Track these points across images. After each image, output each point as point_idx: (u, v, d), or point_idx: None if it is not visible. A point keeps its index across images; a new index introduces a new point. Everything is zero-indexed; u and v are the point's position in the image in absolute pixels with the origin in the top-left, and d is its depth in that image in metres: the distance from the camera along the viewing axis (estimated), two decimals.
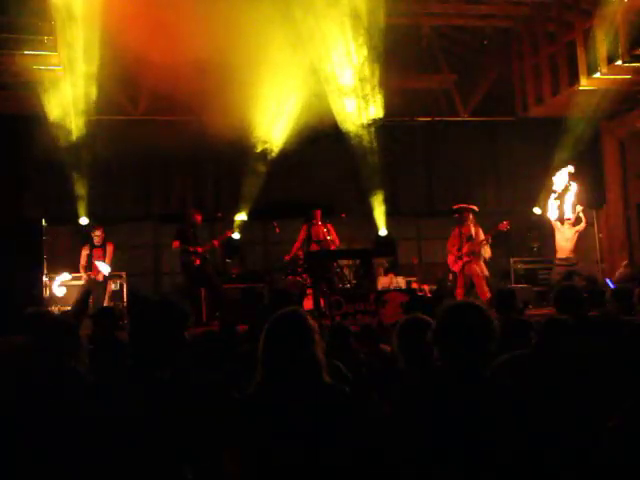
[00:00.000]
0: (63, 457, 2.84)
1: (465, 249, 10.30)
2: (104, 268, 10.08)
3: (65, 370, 3.07)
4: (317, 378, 2.75)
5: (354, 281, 10.71)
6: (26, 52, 9.40)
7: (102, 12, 9.40)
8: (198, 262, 10.02)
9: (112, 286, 10.47)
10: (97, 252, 10.22)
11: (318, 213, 10.83)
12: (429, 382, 2.76)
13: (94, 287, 9.88)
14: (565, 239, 10.86)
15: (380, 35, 10.61)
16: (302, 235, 10.91)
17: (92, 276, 10.07)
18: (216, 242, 10.45)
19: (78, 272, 10.20)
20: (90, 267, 10.15)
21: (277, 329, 2.81)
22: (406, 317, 3.60)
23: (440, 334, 2.77)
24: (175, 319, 2.88)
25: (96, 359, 4.07)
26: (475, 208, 10.51)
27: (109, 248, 10.28)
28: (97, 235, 10.24)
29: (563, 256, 10.92)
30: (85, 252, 10.24)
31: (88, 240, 10.32)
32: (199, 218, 10.31)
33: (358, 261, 10.97)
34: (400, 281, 11.68)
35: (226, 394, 3.29)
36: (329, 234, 10.75)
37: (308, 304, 10.86)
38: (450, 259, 10.50)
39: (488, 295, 9.65)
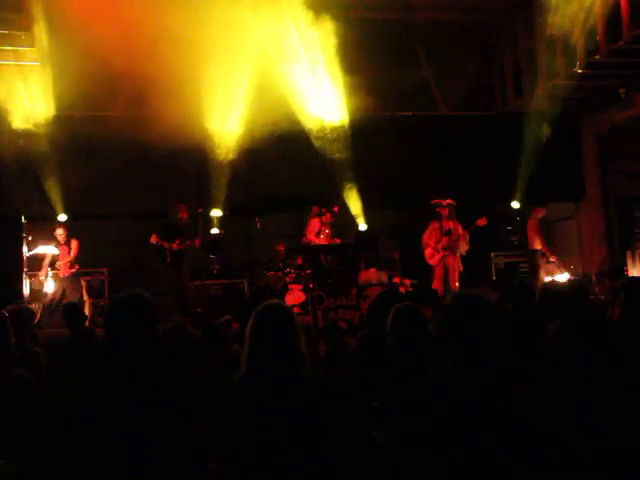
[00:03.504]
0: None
1: (442, 243, 10.40)
2: (49, 287, 10.03)
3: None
4: (299, 370, 2.79)
5: (335, 276, 10.74)
6: (2, 47, 9.34)
7: (77, 8, 9.35)
8: (170, 259, 9.98)
9: (83, 282, 10.42)
10: (62, 250, 10.17)
11: (323, 210, 11.16)
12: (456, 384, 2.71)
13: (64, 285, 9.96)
14: None
15: (350, 29, 10.61)
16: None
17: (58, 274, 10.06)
18: (197, 242, 10.35)
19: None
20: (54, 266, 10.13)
21: (262, 322, 2.82)
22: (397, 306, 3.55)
23: (453, 329, 2.72)
24: (145, 312, 2.90)
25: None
26: (453, 203, 10.54)
27: (74, 245, 10.21)
28: (60, 234, 10.18)
29: None
30: (50, 251, 10.16)
31: (53, 239, 10.25)
32: (185, 215, 10.28)
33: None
34: (382, 275, 11.69)
35: (205, 385, 3.29)
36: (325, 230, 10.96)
37: (289, 299, 10.87)
38: (428, 252, 10.59)
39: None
